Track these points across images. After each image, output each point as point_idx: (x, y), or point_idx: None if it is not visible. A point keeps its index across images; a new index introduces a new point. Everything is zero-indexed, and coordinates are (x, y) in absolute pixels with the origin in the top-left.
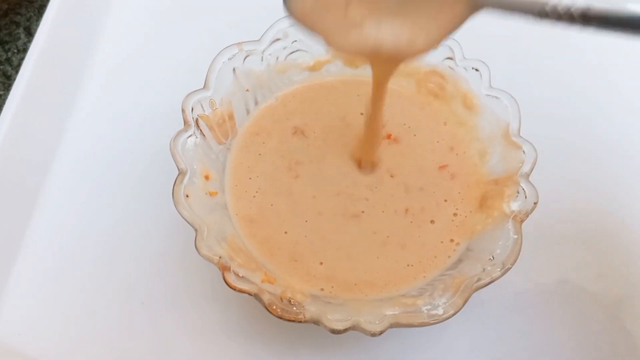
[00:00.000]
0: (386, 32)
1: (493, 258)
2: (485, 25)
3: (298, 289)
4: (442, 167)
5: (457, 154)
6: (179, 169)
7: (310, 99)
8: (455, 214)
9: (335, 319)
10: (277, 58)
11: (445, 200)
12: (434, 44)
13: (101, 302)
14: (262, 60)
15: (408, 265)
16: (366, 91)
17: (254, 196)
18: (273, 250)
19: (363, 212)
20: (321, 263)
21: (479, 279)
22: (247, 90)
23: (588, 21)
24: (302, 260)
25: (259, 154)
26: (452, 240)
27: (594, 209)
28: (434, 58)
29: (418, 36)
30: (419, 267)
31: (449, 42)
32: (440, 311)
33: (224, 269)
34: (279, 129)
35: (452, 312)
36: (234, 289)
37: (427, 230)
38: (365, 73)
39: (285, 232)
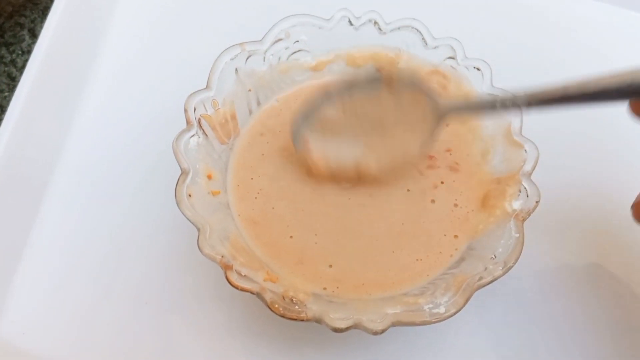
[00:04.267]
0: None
1: (495, 257)
2: (486, 25)
3: (300, 288)
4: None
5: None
6: (181, 169)
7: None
8: (455, 204)
9: (337, 318)
10: (279, 58)
11: (443, 182)
12: (414, 156)
13: (106, 301)
14: (264, 61)
15: (417, 259)
16: None
17: (256, 197)
18: (279, 253)
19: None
20: (330, 266)
21: (480, 278)
22: (250, 90)
23: (530, 106)
24: (309, 263)
25: (262, 154)
26: (456, 236)
27: (596, 207)
28: (436, 57)
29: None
30: (426, 263)
31: (450, 41)
32: (442, 310)
33: (227, 268)
34: (286, 130)
35: (453, 310)
36: (236, 287)
37: (430, 217)
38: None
39: (291, 237)
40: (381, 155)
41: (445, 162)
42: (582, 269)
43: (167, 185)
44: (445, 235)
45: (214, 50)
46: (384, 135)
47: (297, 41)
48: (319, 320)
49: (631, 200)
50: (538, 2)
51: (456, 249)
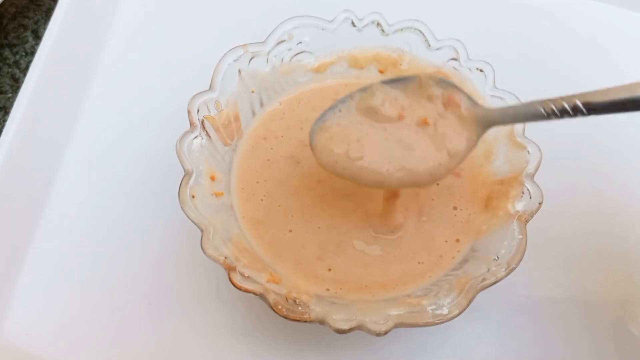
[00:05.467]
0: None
1: (498, 258)
2: (489, 26)
3: (303, 290)
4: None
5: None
6: (185, 170)
7: (317, 105)
8: (455, 208)
9: (340, 319)
10: (282, 59)
11: (441, 186)
12: (454, 166)
13: (109, 302)
14: (267, 62)
15: (419, 262)
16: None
17: (262, 199)
18: (280, 252)
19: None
20: (330, 269)
21: (483, 279)
22: (253, 91)
23: (591, 110)
24: (308, 264)
25: (268, 159)
26: (458, 240)
27: (599, 209)
28: (439, 59)
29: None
30: (427, 265)
31: (453, 42)
32: (445, 311)
33: (230, 269)
34: (289, 136)
35: (456, 312)
36: (239, 289)
37: (430, 221)
38: (368, 74)
39: (290, 230)
40: (413, 166)
41: None
42: (585, 270)
43: (170, 186)
44: (446, 241)
45: (217, 51)
46: (414, 145)
47: (300, 42)
48: (322, 322)
49: (633, 201)
50: (539, 3)
51: (458, 251)
